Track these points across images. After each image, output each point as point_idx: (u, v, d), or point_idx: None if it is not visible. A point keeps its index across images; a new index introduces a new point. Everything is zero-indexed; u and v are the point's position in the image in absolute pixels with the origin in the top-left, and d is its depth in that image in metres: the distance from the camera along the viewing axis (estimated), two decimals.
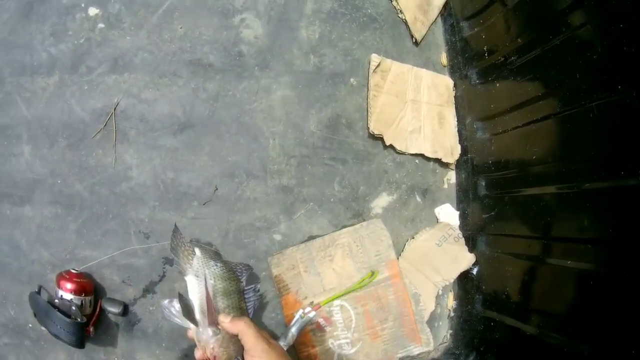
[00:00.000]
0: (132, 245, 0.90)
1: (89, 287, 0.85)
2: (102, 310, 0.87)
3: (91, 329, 0.83)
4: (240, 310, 0.74)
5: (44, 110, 0.90)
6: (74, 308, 0.80)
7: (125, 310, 0.88)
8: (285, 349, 0.78)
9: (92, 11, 0.93)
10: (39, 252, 0.89)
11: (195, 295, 0.74)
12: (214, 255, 0.80)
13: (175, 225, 0.79)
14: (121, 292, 0.90)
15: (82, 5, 0.93)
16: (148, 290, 0.90)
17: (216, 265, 0.76)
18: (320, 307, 0.88)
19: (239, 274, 0.78)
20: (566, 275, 0.75)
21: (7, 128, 0.90)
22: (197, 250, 0.78)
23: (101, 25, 0.93)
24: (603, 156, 0.69)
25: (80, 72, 0.91)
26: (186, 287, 0.76)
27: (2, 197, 0.90)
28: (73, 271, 0.85)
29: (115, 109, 0.91)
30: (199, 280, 0.74)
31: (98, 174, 0.90)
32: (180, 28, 0.94)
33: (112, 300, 0.87)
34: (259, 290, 0.80)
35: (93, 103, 0.91)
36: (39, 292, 0.84)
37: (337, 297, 0.91)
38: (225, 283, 0.75)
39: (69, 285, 0.82)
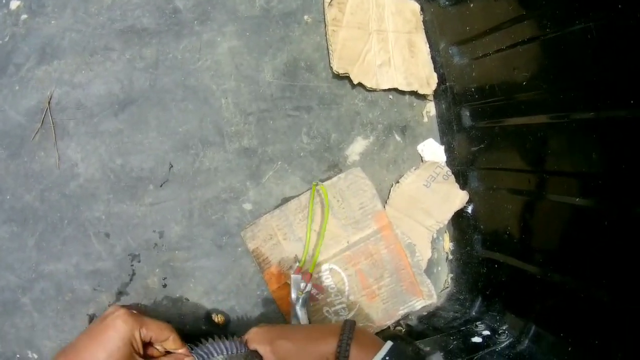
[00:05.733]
0: (94, 248, 0.80)
1: None
2: None
3: None
4: None
5: None
6: None
7: None
8: None
9: (14, 4, 0.84)
10: (6, 277, 0.80)
11: None
12: None
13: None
14: (94, 300, 0.80)
15: (3, 1, 0.85)
16: (121, 292, 0.81)
17: None
18: (311, 276, 0.76)
19: None
20: (573, 214, 0.64)
21: None
22: None
23: (24, 16, 0.84)
24: (609, 81, 0.56)
25: (9, 73, 0.82)
26: None
27: None
28: None
29: (49, 102, 0.81)
30: None
31: (44, 179, 0.81)
32: None
33: None
34: None
35: (26, 102, 0.82)
36: None
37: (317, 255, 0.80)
38: None
39: None
